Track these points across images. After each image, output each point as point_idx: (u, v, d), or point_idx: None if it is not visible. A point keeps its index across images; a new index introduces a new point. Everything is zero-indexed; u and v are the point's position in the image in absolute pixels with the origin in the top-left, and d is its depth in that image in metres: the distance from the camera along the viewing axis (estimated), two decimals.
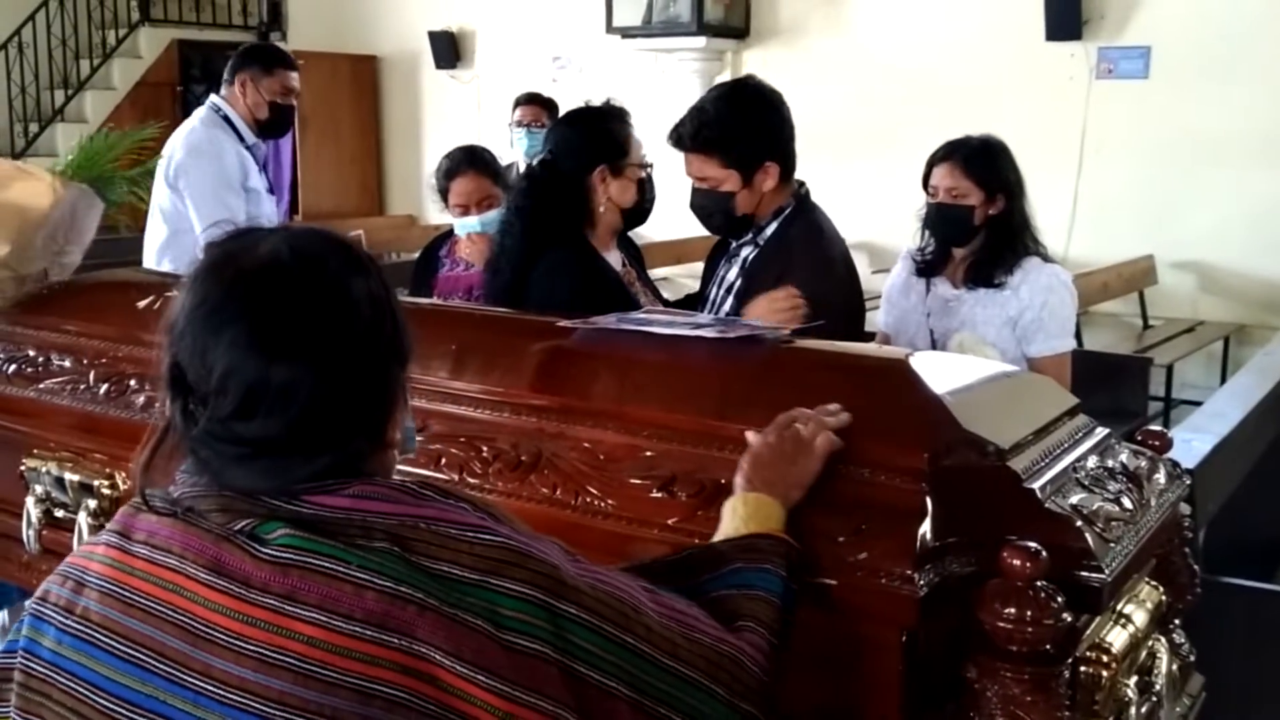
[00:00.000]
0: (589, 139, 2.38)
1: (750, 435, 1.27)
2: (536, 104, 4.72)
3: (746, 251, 2.35)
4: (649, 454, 1.37)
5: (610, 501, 1.35)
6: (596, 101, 2.49)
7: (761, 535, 1.14)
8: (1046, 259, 2.62)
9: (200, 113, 3.68)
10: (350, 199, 9.21)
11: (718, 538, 1.17)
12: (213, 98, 3.68)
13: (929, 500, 1.20)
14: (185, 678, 0.89)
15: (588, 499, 1.37)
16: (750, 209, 2.30)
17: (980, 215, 2.57)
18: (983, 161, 2.57)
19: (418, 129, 9.25)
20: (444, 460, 1.47)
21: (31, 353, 1.95)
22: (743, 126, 2.26)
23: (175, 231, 3.53)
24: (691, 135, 2.29)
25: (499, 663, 0.87)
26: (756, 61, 7.45)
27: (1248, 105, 6.25)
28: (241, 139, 3.60)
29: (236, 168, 3.55)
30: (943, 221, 2.61)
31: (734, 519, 1.18)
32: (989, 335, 2.53)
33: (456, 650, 0.86)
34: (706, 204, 2.33)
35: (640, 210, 2.41)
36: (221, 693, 0.87)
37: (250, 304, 0.93)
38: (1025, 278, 2.56)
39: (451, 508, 0.95)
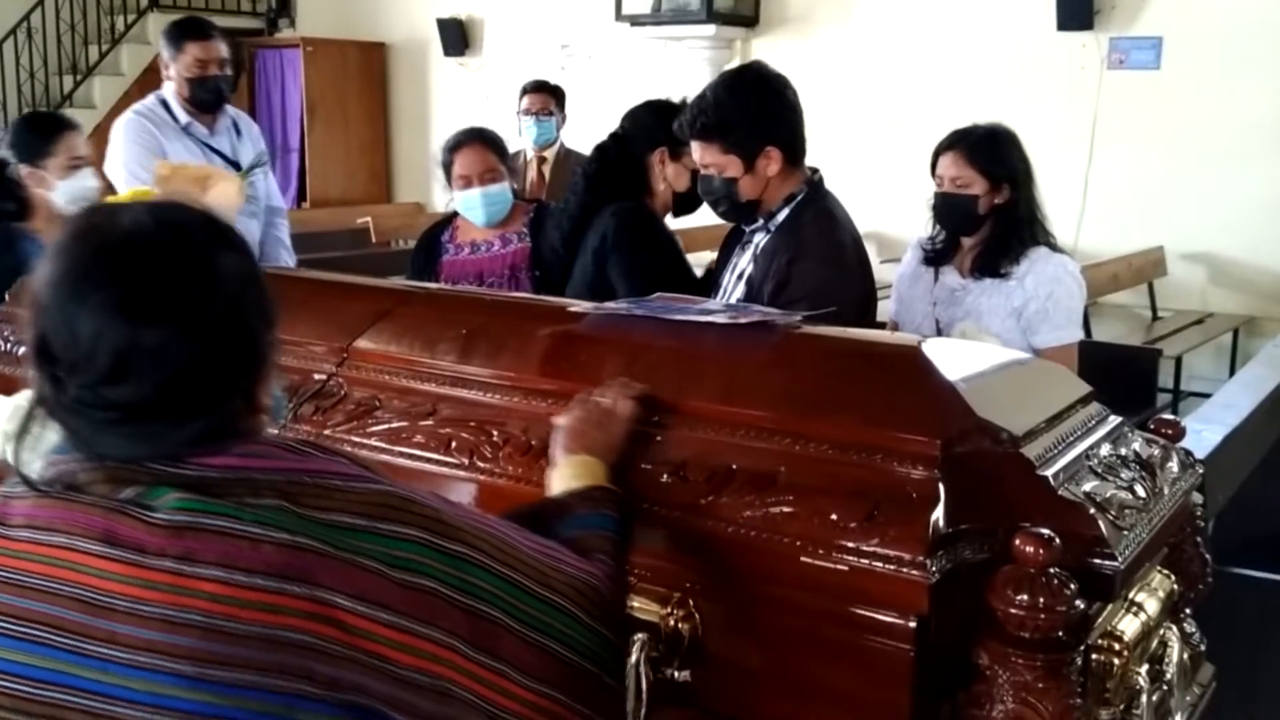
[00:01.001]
0: (658, 123, 2.63)
1: (557, 418, 1.36)
2: (544, 92, 4.71)
3: (759, 238, 2.36)
4: (659, 439, 1.37)
5: (620, 486, 1.35)
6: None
7: (594, 487, 1.24)
8: (1055, 249, 2.60)
9: (146, 99, 3.65)
10: (358, 186, 9.21)
11: (551, 493, 1.26)
12: (163, 88, 3.62)
13: (941, 487, 1.20)
14: (89, 647, 0.90)
15: None
16: (755, 194, 2.31)
17: (985, 205, 2.54)
18: (988, 150, 2.55)
19: (426, 117, 9.24)
20: (454, 444, 1.47)
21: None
22: (741, 112, 2.27)
23: None
24: (690, 122, 2.32)
25: (396, 600, 0.91)
26: (766, 50, 7.42)
27: (1259, 96, 6.22)
28: (176, 121, 3.54)
29: (160, 153, 3.47)
30: (947, 210, 2.59)
31: (563, 479, 1.26)
32: (993, 326, 2.51)
33: (357, 593, 0.90)
34: (712, 190, 2.35)
35: (690, 198, 2.64)
36: (129, 656, 0.89)
37: (115, 270, 0.94)
38: (1031, 268, 2.54)
39: (331, 461, 0.99)
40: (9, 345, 1.92)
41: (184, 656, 0.87)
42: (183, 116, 3.56)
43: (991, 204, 2.54)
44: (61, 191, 2.63)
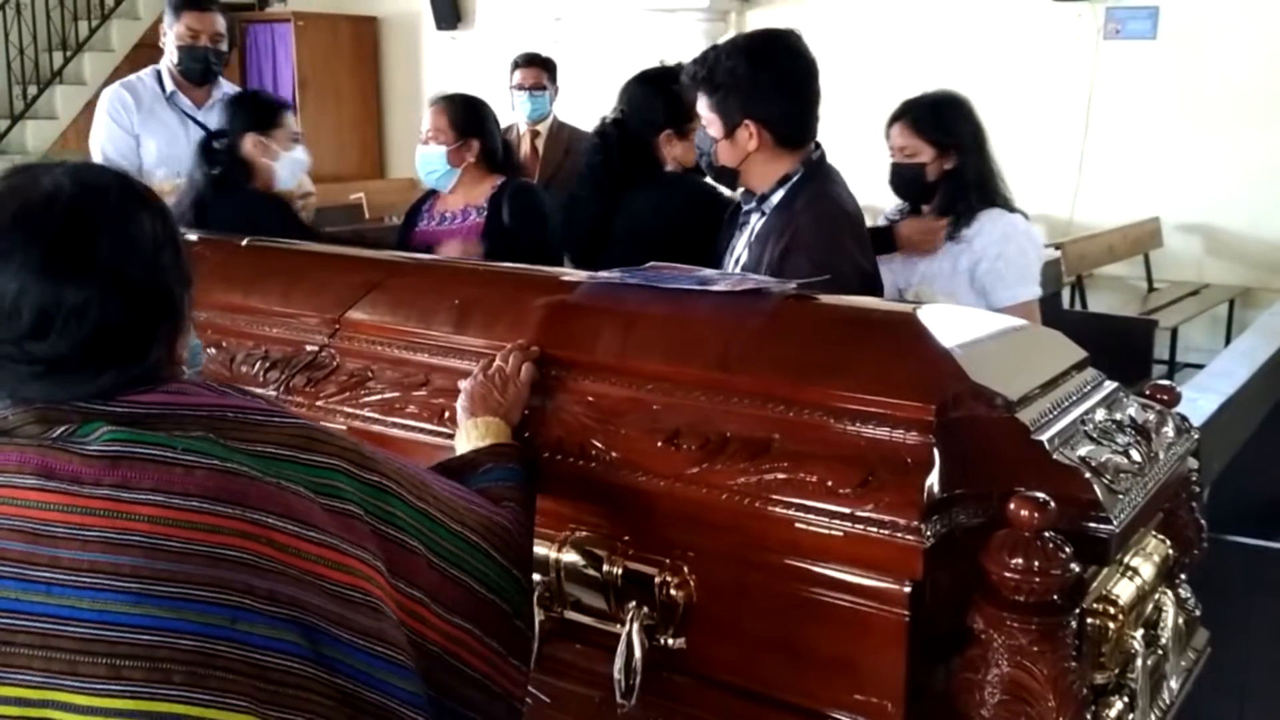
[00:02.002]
0: (656, 101, 2.60)
1: (461, 383, 1.43)
2: (536, 65, 4.66)
3: (754, 220, 2.30)
4: (654, 407, 1.37)
5: (615, 454, 1.35)
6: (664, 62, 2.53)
7: (500, 444, 1.32)
8: (1010, 209, 2.60)
9: (143, 70, 3.63)
10: (351, 162, 9.15)
11: (459, 453, 1.31)
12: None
13: (936, 452, 1.20)
14: (32, 573, 0.93)
15: (593, 452, 1.36)
16: (731, 163, 2.22)
17: (934, 171, 2.56)
18: (932, 119, 2.55)
19: (418, 91, 9.17)
20: (447, 414, 1.47)
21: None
22: (729, 75, 2.17)
23: None
24: (686, 71, 2.26)
25: (322, 521, 0.97)
26: (760, 22, 7.37)
27: (1256, 66, 6.19)
28: (163, 90, 3.53)
29: (125, 121, 3.48)
30: (898, 180, 2.61)
31: (470, 440, 1.33)
32: (944, 288, 2.51)
33: (285, 513, 0.95)
34: (699, 144, 2.30)
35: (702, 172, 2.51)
36: (73, 578, 0.92)
37: (36, 230, 0.97)
38: (980, 229, 2.54)
39: (251, 399, 1.04)
40: None
41: (128, 575, 0.91)
42: (169, 86, 3.54)
43: (940, 170, 2.55)
44: (283, 163, 2.78)
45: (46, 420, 0.98)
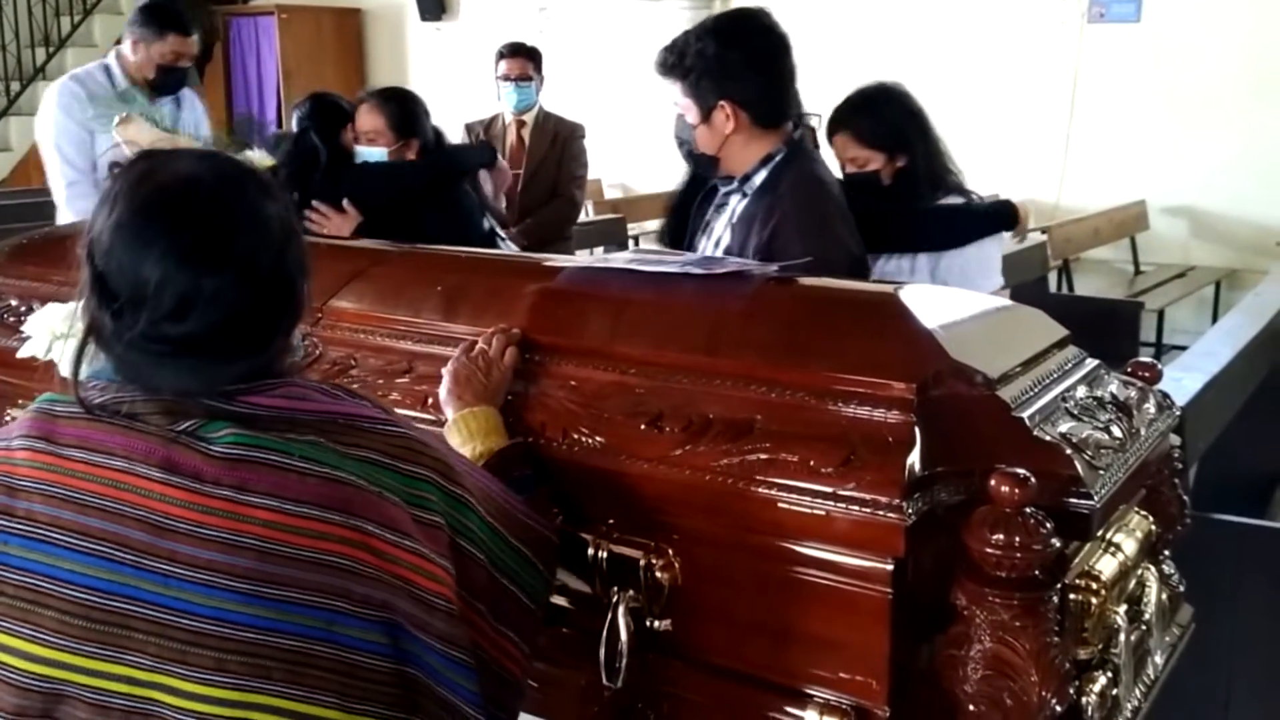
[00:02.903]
0: None
1: (444, 369, 1.44)
2: (522, 55, 4.63)
3: (734, 201, 2.25)
4: (638, 390, 1.37)
5: (599, 438, 1.35)
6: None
7: (513, 447, 1.34)
8: (962, 193, 2.52)
9: (86, 66, 3.67)
10: None
11: (461, 452, 1.31)
12: (111, 53, 3.66)
13: (917, 430, 1.20)
14: (152, 564, 0.98)
15: (576, 436, 1.36)
16: (711, 149, 2.18)
17: (888, 174, 2.46)
18: (876, 125, 2.45)
19: (403, 82, 9.11)
20: (430, 400, 1.47)
21: (14, 302, 1.94)
22: (699, 57, 2.13)
23: (70, 182, 3.57)
24: (657, 59, 2.20)
25: (414, 531, 1.02)
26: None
27: (1239, 48, 6.21)
28: (114, 86, 3.56)
29: (85, 123, 3.50)
30: (854, 191, 2.41)
31: (468, 435, 1.35)
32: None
33: (384, 521, 1.00)
34: (678, 130, 2.24)
35: None
36: (188, 573, 0.97)
37: (178, 220, 1.00)
38: None
39: (359, 405, 1.08)
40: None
41: (240, 576, 0.96)
42: (121, 82, 3.57)
43: (893, 170, 2.46)
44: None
45: (172, 412, 1.01)
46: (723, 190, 2.26)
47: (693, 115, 2.16)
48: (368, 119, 2.89)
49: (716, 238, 2.25)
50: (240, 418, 1.01)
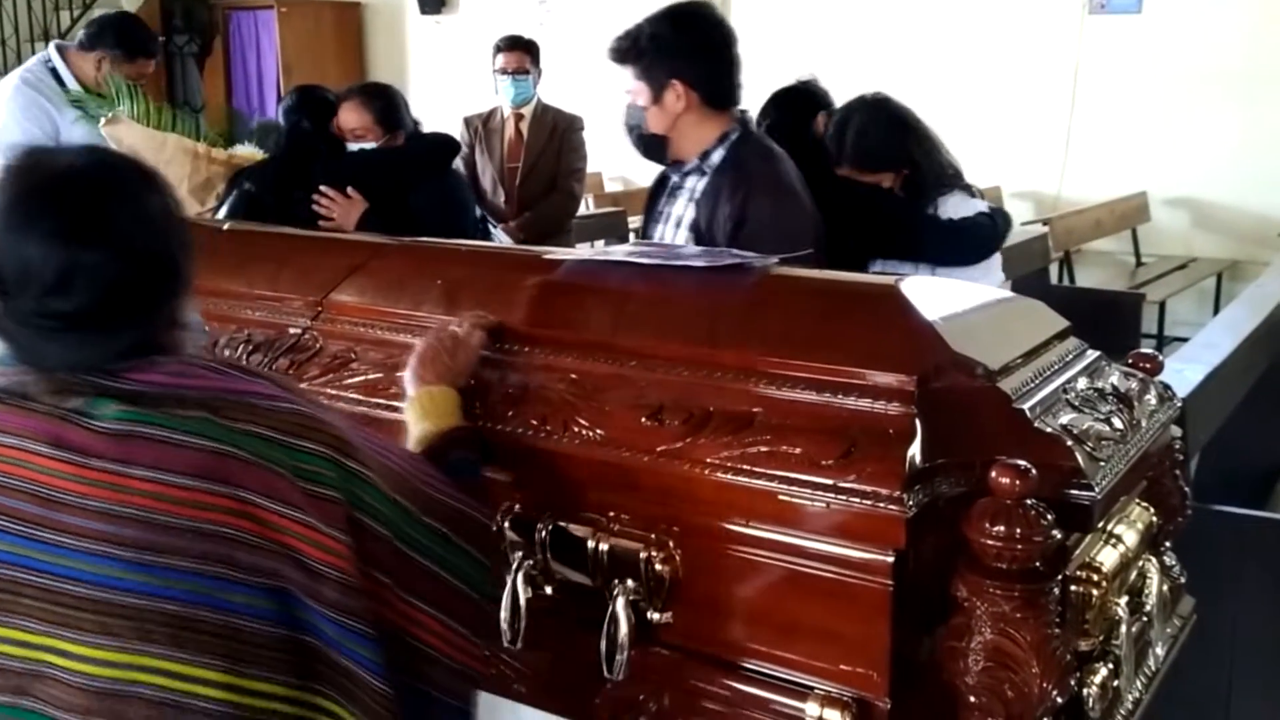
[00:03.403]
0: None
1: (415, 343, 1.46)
2: (519, 49, 4.62)
3: (693, 182, 2.31)
4: (638, 383, 1.36)
5: (599, 431, 1.35)
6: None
7: (459, 429, 1.35)
8: (967, 191, 2.58)
9: (29, 64, 3.65)
10: None
11: (412, 429, 1.35)
12: (50, 50, 3.63)
13: (918, 422, 1.20)
14: (40, 534, 1.04)
15: (576, 429, 1.36)
16: (661, 129, 2.27)
17: (897, 184, 2.57)
18: (880, 151, 2.54)
19: (403, 76, 9.13)
20: None
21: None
22: (651, 40, 2.24)
23: None
24: (610, 45, 2.29)
25: (303, 503, 1.04)
26: (746, 5, 7.35)
27: (1240, 39, 6.19)
28: (67, 92, 3.56)
29: (46, 124, 3.52)
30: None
31: (423, 415, 1.36)
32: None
33: (269, 493, 1.03)
34: (628, 118, 2.32)
35: None
36: (76, 543, 1.02)
37: (58, 201, 1.06)
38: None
39: (253, 382, 1.11)
40: None
41: (125, 544, 1.01)
42: (72, 84, 3.57)
43: (901, 179, 2.56)
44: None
45: (62, 391, 1.06)
46: (678, 175, 2.32)
47: (644, 97, 2.25)
48: (354, 116, 2.92)
49: (677, 218, 2.31)
50: (126, 395, 1.05)
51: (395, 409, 1.48)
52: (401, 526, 1.13)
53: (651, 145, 2.31)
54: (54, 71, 3.58)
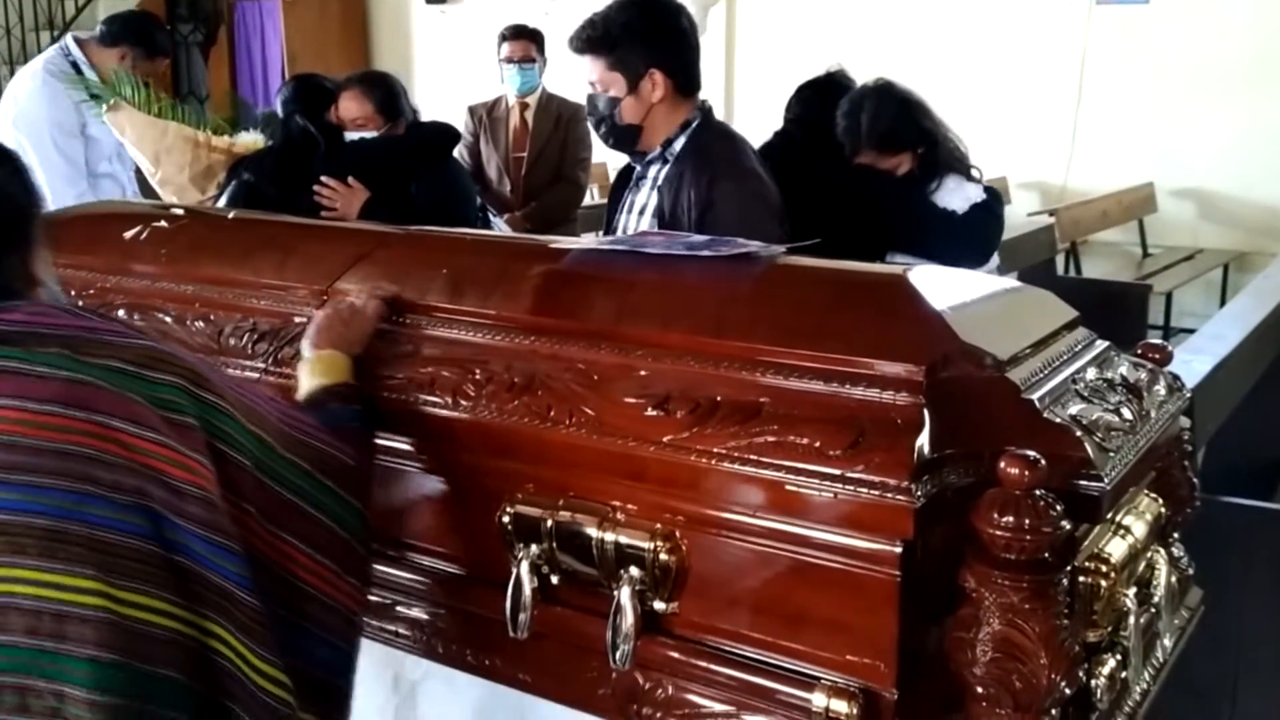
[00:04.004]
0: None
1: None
2: (525, 38, 4.61)
3: (655, 169, 2.33)
4: (643, 373, 1.36)
5: (605, 420, 1.34)
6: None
7: (342, 384, 1.42)
8: (966, 176, 2.62)
9: (48, 54, 3.83)
10: None
11: (302, 389, 1.42)
12: (69, 42, 3.80)
13: (926, 412, 1.19)
14: None
15: (582, 418, 1.35)
16: (636, 119, 2.27)
17: (910, 164, 2.62)
18: (899, 133, 2.60)
19: (408, 66, 9.12)
20: (436, 384, 1.46)
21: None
22: (626, 29, 2.25)
23: (71, 180, 3.72)
24: (577, 35, 2.30)
25: (163, 428, 1.09)
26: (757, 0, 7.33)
27: (1248, 29, 6.17)
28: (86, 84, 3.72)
29: (73, 113, 3.70)
30: (895, 196, 2.61)
31: (311, 374, 1.43)
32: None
33: (129, 417, 1.08)
34: (595, 110, 2.32)
35: None
36: None
37: None
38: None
39: (105, 322, 1.19)
40: None
41: None
42: (90, 76, 3.72)
43: (915, 160, 2.61)
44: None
45: None
46: (642, 164, 2.33)
47: (618, 88, 2.27)
48: (355, 105, 2.92)
49: (641, 206, 2.33)
50: None
51: (401, 399, 1.48)
52: (261, 458, 1.18)
53: (622, 135, 2.32)
54: (74, 64, 3.73)
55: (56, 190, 3.61)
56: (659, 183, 2.29)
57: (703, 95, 2.38)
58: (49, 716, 1.02)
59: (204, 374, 1.17)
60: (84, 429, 1.06)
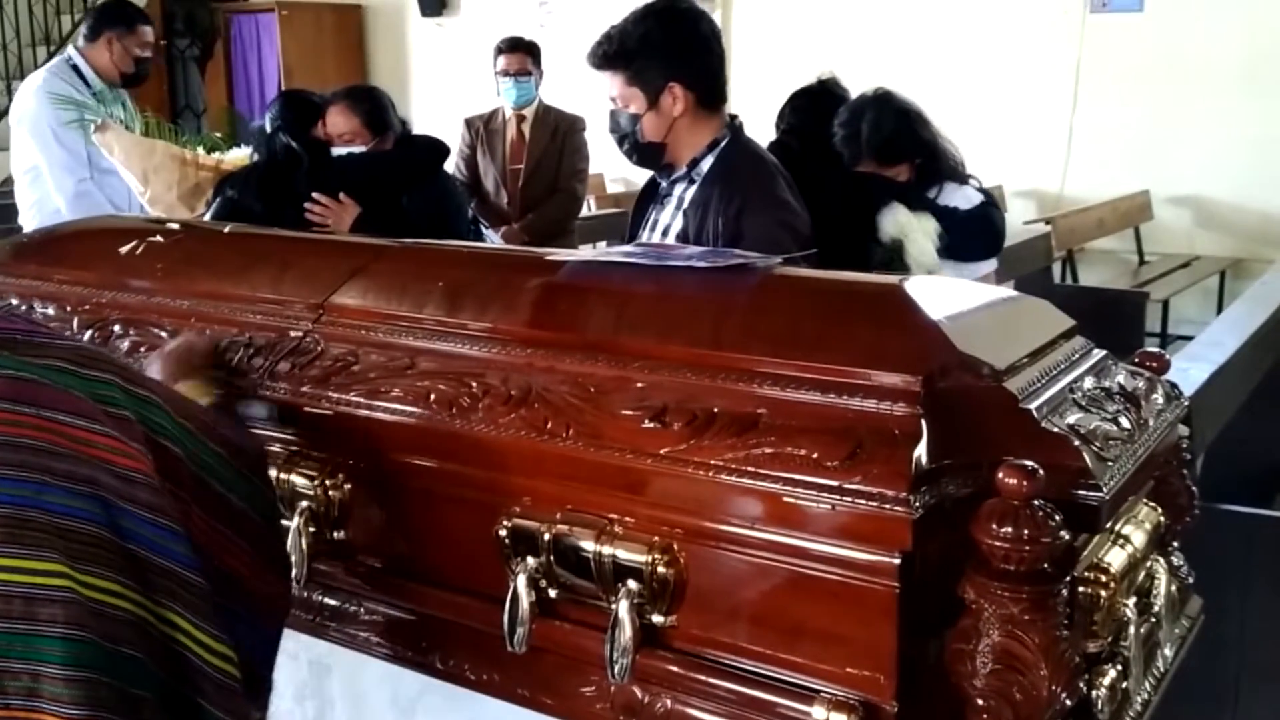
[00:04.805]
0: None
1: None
2: (520, 51, 4.62)
3: (681, 189, 2.26)
4: (640, 385, 1.36)
5: (602, 433, 1.33)
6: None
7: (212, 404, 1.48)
8: (963, 180, 2.65)
9: (52, 65, 4.05)
10: None
11: None
12: (70, 49, 4.04)
13: (924, 423, 1.19)
14: None
15: (579, 431, 1.35)
16: (658, 135, 2.20)
17: (909, 174, 2.66)
18: (897, 142, 2.63)
19: (404, 79, 9.15)
20: (433, 397, 1.45)
21: (14, 301, 1.93)
22: (643, 41, 2.16)
23: (79, 179, 3.84)
24: (594, 50, 2.21)
25: (106, 421, 1.13)
26: (747, 6, 7.34)
27: (1242, 37, 6.19)
28: (89, 87, 3.93)
29: (73, 109, 3.81)
30: (897, 198, 2.63)
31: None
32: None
33: (73, 411, 1.11)
34: (617, 127, 2.24)
35: None
36: None
37: None
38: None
39: (35, 326, 1.24)
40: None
41: None
42: (96, 83, 3.92)
43: (913, 168, 2.65)
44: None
45: None
46: (668, 181, 2.27)
47: (638, 104, 2.18)
48: (341, 120, 2.91)
49: (664, 226, 2.26)
50: None
51: (396, 411, 1.48)
52: (192, 450, 1.22)
53: (646, 153, 2.24)
54: (74, 66, 3.92)
55: (58, 179, 3.81)
56: (685, 205, 2.21)
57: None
58: (24, 696, 1.05)
59: (132, 369, 1.23)
60: (33, 423, 1.09)
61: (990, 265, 2.65)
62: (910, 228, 2.39)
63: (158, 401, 1.19)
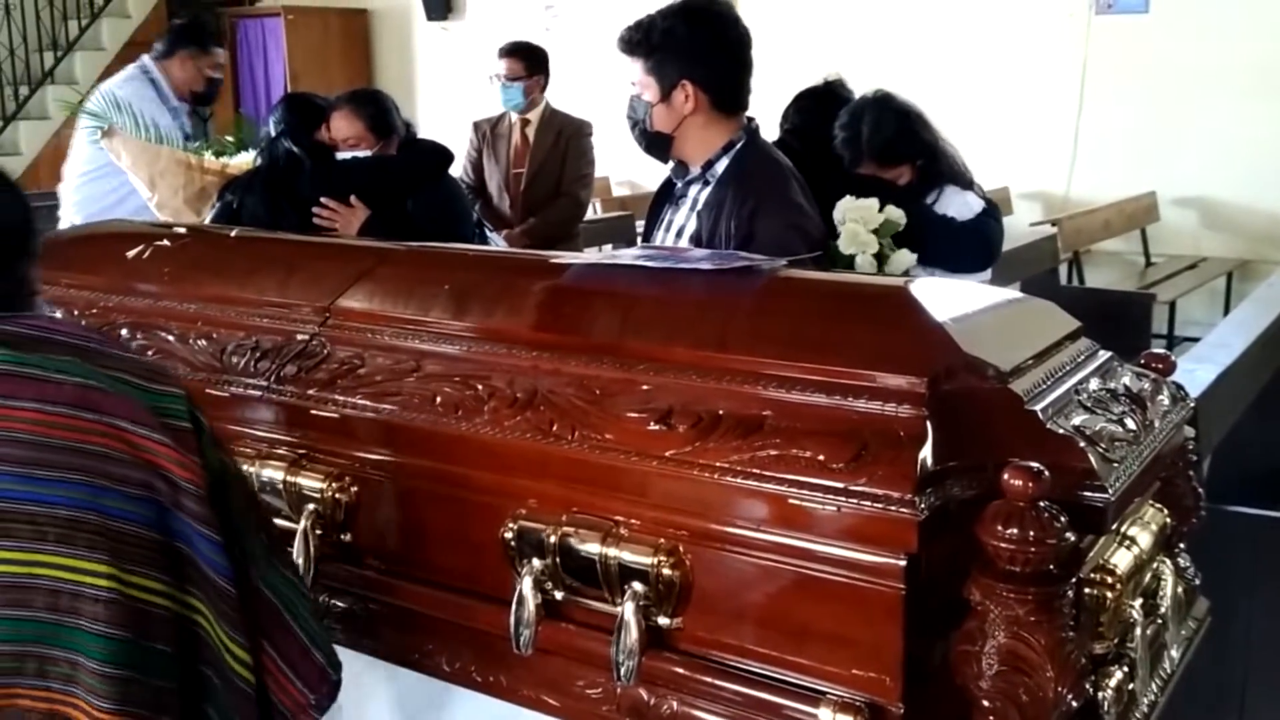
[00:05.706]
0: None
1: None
2: (515, 55, 4.61)
3: (695, 191, 2.27)
4: (645, 387, 1.36)
5: (608, 435, 1.34)
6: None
7: None
8: (964, 185, 2.62)
9: (128, 70, 4.11)
10: None
11: None
12: (145, 60, 4.11)
13: (929, 425, 1.19)
14: None
15: (585, 433, 1.35)
16: (668, 128, 2.21)
17: (910, 176, 2.62)
18: (897, 145, 2.59)
19: (410, 83, 9.17)
20: (439, 399, 1.46)
21: None
22: (664, 35, 2.18)
23: (102, 177, 3.90)
24: (622, 36, 2.24)
25: (165, 430, 1.20)
26: (752, 8, 7.35)
27: (1248, 38, 6.18)
28: (165, 101, 4.05)
29: (163, 116, 3.98)
30: (896, 204, 2.60)
31: None
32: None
33: (134, 419, 1.19)
34: (634, 111, 2.26)
35: None
36: None
37: None
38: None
39: (108, 341, 1.33)
40: None
41: (15, 462, 1.17)
42: (172, 99, 4.05)
43: (915, 171, 2.61)
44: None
45: None
46: (683, 181, 2.29)
47: (652, 93, 2.20)
48: (345, 125, 2.91)
49: (678, 227, 2.27)
50: (4, 337, 1.21)
51: (404, 414, 1.48)
52: (222, 461, 1.29)
53: (654, 141, 2.26)
54: (152, 80, 4.04)
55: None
56: (699, 206, 2.22)
57: None
58: (64, 682, 1.15)
59: (188, 389, 1.29)
60: (98, 429, 1.17)
61: (982, 279, 2.63)
62: (852, 214, 2.35)
63: (208, 428, 1.27)
